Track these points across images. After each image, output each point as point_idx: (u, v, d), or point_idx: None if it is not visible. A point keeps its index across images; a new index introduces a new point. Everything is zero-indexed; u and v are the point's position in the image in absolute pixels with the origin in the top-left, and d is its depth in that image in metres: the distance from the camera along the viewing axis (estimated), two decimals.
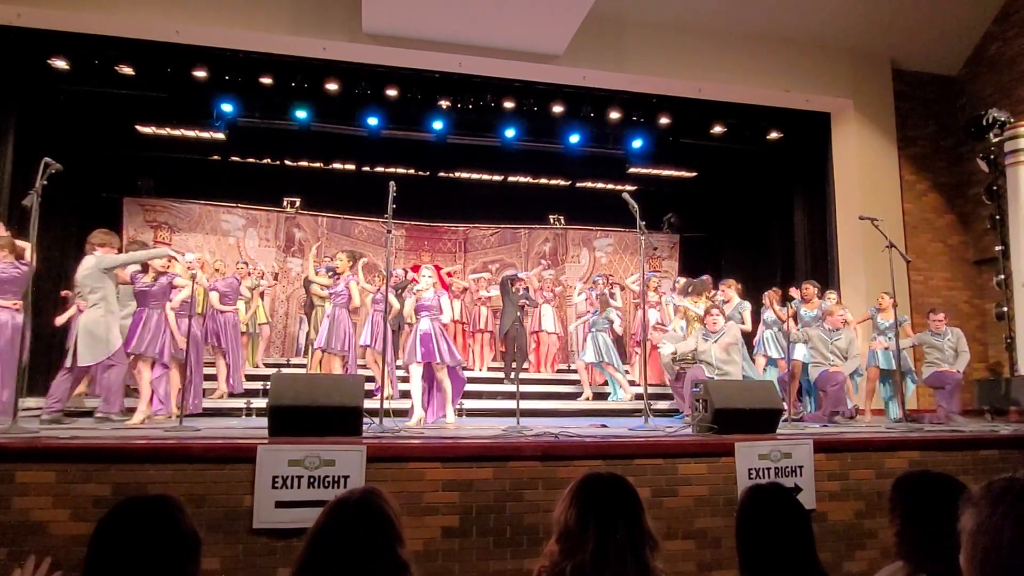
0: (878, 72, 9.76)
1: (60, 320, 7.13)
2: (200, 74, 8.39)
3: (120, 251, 6.20)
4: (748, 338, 7.99)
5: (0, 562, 3.45)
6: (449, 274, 11.02)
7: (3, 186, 7.80)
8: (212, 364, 7.81)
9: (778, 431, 5.10)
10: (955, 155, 9.98)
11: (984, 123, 8.83)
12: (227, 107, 9.32)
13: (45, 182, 4.81)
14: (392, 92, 8.93)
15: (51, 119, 8.75)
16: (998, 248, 8.89)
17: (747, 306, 7.88)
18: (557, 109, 9.39)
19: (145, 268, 6.17)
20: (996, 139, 8.78)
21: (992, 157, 8.90)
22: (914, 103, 9.98)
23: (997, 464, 5.04)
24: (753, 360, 8.09)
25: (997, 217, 8.94)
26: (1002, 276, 8.79)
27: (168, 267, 6.20)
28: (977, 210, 9.54)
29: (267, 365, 9.60)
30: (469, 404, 8.06)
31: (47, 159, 4.83)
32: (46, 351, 7.78)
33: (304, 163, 11.20)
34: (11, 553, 3.48)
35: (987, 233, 9.29)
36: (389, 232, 5.64)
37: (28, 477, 3.58)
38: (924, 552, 1.79)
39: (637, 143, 10.57)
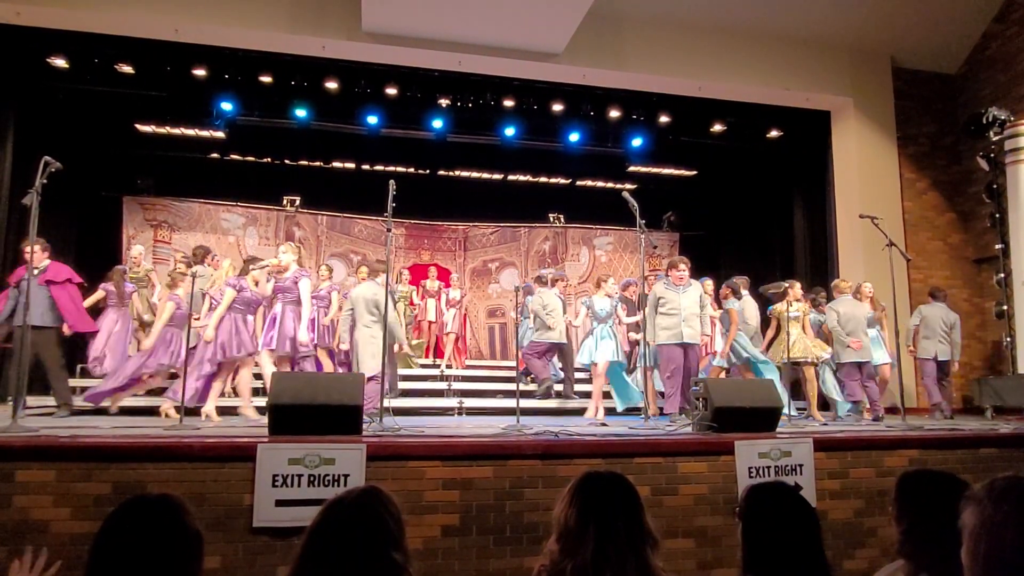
0: (878, 70, 9.76)
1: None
2: (199, 73, 8.39)
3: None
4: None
5: (0, 562, 3.45)
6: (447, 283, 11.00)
7: (3, 185, 7.80)
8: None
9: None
10: (955, 153, 9.98)
11: (984, 121, 8.83)
12: (227, 106, 9.33)
13: (45, 181, 4.80)
14: (392, 91, 8.93)
15: (50, 118, 8.76)
16: (998, 246, 8.90)
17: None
18: (557, 107, 9.39)
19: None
20: (996, 137, 8.79)
21: (992, 155, 8.90)
22: (914, 101, 9.98)
23: (997, 462, 5.04)
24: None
25: (997, 215, 8.94)
26: (1002, 274, 8.80)
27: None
28: (977, 208, 9.55)
29: None
30: (469, 403, 8.08)
31: (47, 158, 4.82)
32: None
33: (304, 162, 11.21)
34: (11, 552, 3.47)
35: (987, 231, 9.29)
36: (389, 231, 5.63)
37: (28, 476, 3.57)
38: (927, 551, 1.79)
39: (637, 141, 10.58)
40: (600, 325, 7.48)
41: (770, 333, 7.87)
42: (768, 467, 4.46)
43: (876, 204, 8.65)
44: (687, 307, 6.77)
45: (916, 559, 1.86)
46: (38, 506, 3.54)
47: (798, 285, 7.58)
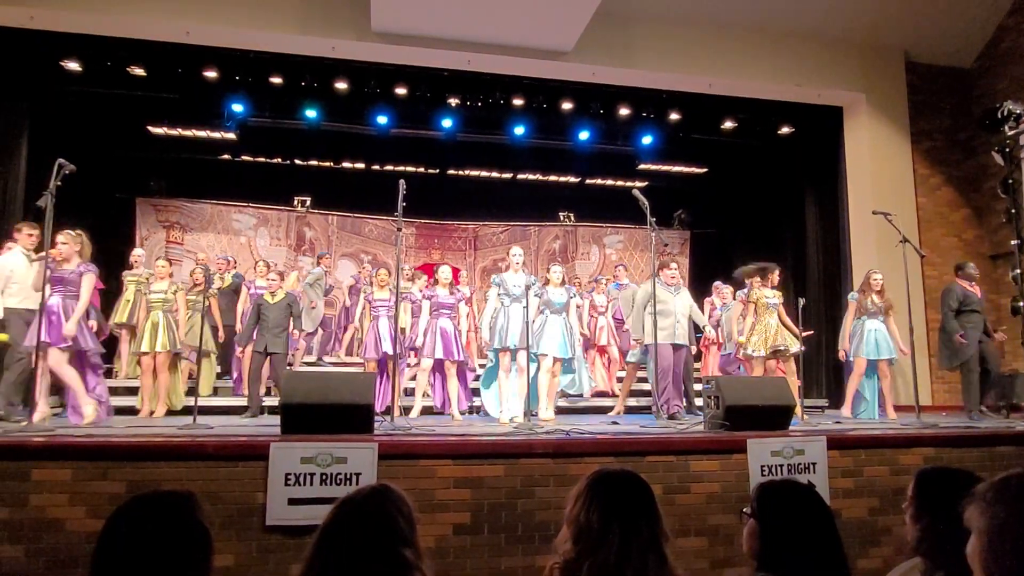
0: (891, 65, 9.66)
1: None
2: (210, 74, 8.43)
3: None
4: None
5: (17, 559, 3.49)
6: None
7: (18, 187, 7.89)
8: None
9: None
10: (969, 148, 9.87)
11: (999, 116, 8.70)
12: (237, 107, 9.38)
13: (59, 183, 4.85)
14: (401, 90, 8.94)
15: (64, 120, 8.82)
16: (1013, 242, 8.75)
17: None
18: (566, 106, 9.35)
19: None
20: (1011, 132, 8.65)
21: (1007, 150, 8.76)
22: (927, 96, 9.87)
23: (1013, 460, 4.98)
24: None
25: (1012, 211, 8.80)
26: (1018, 270, 8.68)
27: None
28: (992, 204, 9.44)
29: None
30: (479, 401, 8.06)
31: (61, 160, 4.87)
32: None
33: (314, 162, 11.26)
34: (28, 550, 3.51)
35: (1002, 227, 9.18)
36: (399, 230, 5.65)
37: (44, 475, 3.61)
38: (945, 550, 1.76)
39: (647, 139, 10.55)
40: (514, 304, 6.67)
41: (749, 320, 7.45)
42: (781, 465, 4.44)
43: (889, 200, 8.57)
44: (680, 309, 6.98)
45: (933, 557, 1.84)
46: (54, 504, 3.58)
47: (778, 270, 7.52)
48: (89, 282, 5.55)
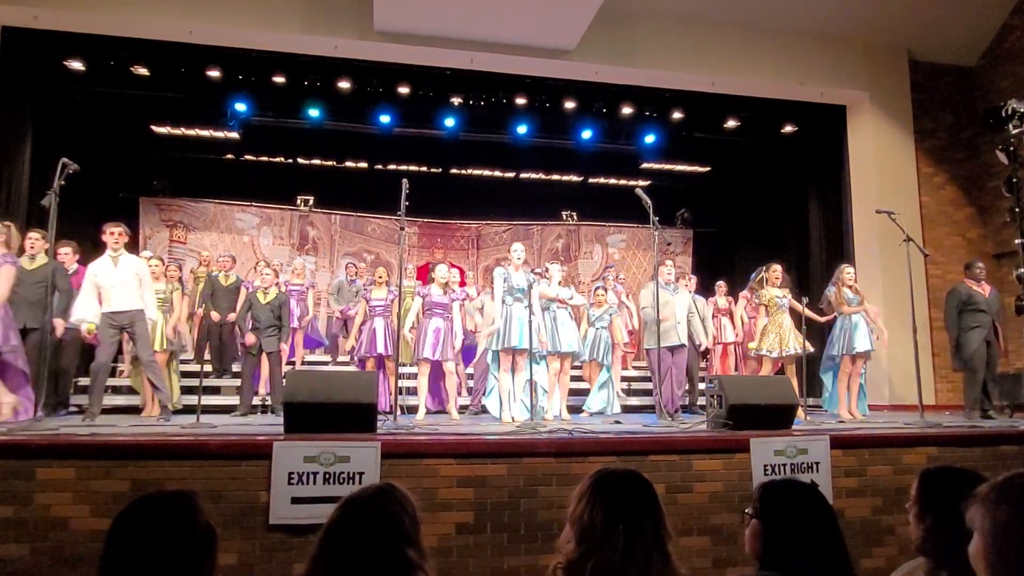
0: (894, 64, 9.64)
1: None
2: (213, 74, 8.45)
3: None
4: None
5: (22, 558, 3.50)
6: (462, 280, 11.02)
7: (21, 186, 7.90)
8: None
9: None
10: (973, 147, 9.85)
11: (1003, 114, 8.68)
12: (240, 106, 9.40)
13: (63, 182, 4.86)
14: (404, 89, 8.95)
15: (67, 120, 8.84)
16: (1017, 241, 8.74)
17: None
18: (569, 105, 9.36)
19: None
20: (1015, 131, 8.63)
21: (1011, 149, 8.75)
22: (931, 95, 9.85)
23: (1017, 460, 4.96)
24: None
25: (1016, 210, 8.79)
26: (1022, 270, 8.66)
27: None
28: (996, 203, 9.41)
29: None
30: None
31: (64, 159, 4.88)
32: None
33: (317, 161, 11.28)
34: (33, 549, 3.52)
35: (1006, 226, 9.15)
36: (402, 229, 5.66)
37: (48, 474, 3.62)
38: (949, 549, 1.76)
39: (650, 138, 10.55)
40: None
41: (762, 321, 7.44)
42: (784, 464, 4.43)
43: (893, 199, 8.56)
44: (679, 310, 6.99)
45: (937, 557, 1.84)
46: (58, 503, 3.59)
47: (778, 268, 7.39)
48: (6, 274, 5.20)
